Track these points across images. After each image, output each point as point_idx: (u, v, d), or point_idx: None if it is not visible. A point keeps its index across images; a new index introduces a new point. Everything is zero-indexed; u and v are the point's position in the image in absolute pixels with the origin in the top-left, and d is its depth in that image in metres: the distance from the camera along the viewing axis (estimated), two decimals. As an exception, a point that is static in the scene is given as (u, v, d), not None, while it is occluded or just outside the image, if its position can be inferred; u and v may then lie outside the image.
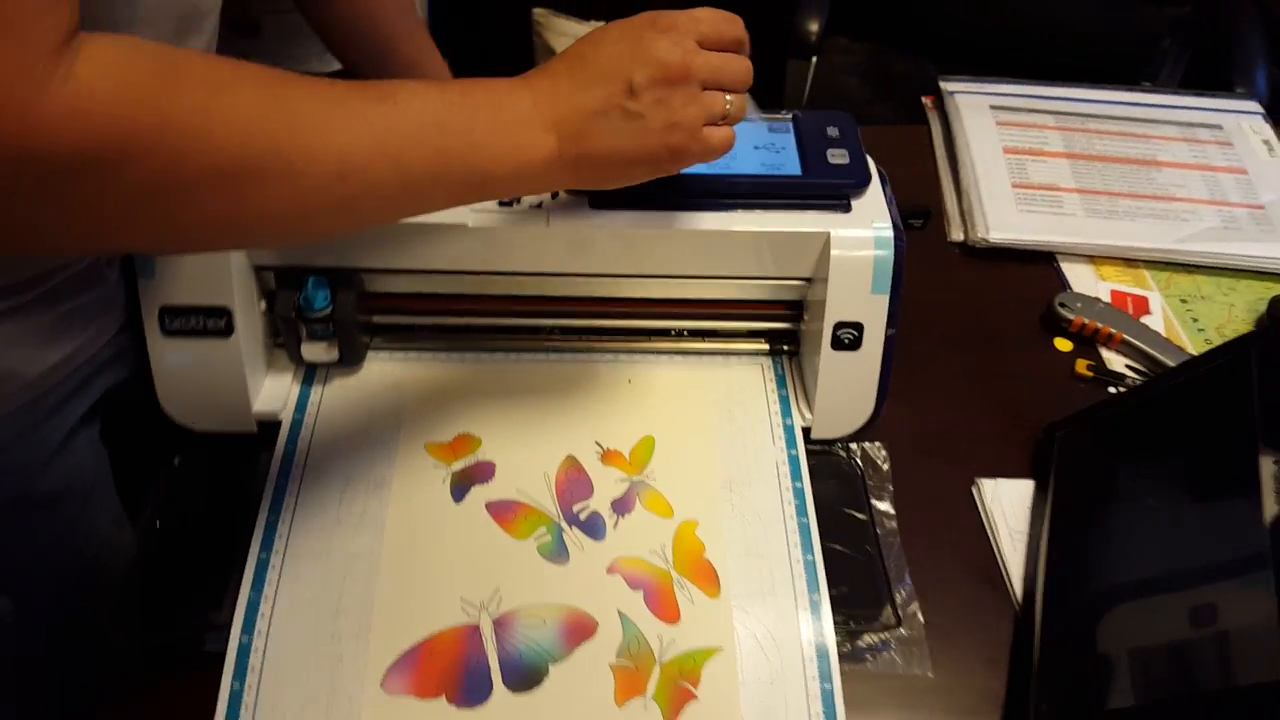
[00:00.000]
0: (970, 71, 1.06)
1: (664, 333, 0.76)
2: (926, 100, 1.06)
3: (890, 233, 0.68)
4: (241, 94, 0.43)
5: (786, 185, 0.69)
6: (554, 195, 0.68)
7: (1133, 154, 0.97)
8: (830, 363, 0.70)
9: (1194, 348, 0.84)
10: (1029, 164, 0.95)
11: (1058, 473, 0.73)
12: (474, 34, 1.96)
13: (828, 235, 0.68)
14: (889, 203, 0.70)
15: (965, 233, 0.91)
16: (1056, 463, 0.73)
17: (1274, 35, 1.36)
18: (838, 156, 0.70)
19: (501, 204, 0.67)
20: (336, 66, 0.95)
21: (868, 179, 0.70)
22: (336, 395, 0.72)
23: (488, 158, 0.51)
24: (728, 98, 0.56)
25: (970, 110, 1.00)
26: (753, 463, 0.70)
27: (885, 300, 0.69)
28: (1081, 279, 0.89)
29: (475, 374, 0.74)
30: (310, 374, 0.73)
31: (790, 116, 0.74)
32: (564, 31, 1.82)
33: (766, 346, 0.77)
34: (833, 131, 0.72)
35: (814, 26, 1.38)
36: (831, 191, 0.69)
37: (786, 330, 0.76)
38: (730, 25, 0.56)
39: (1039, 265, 0.90)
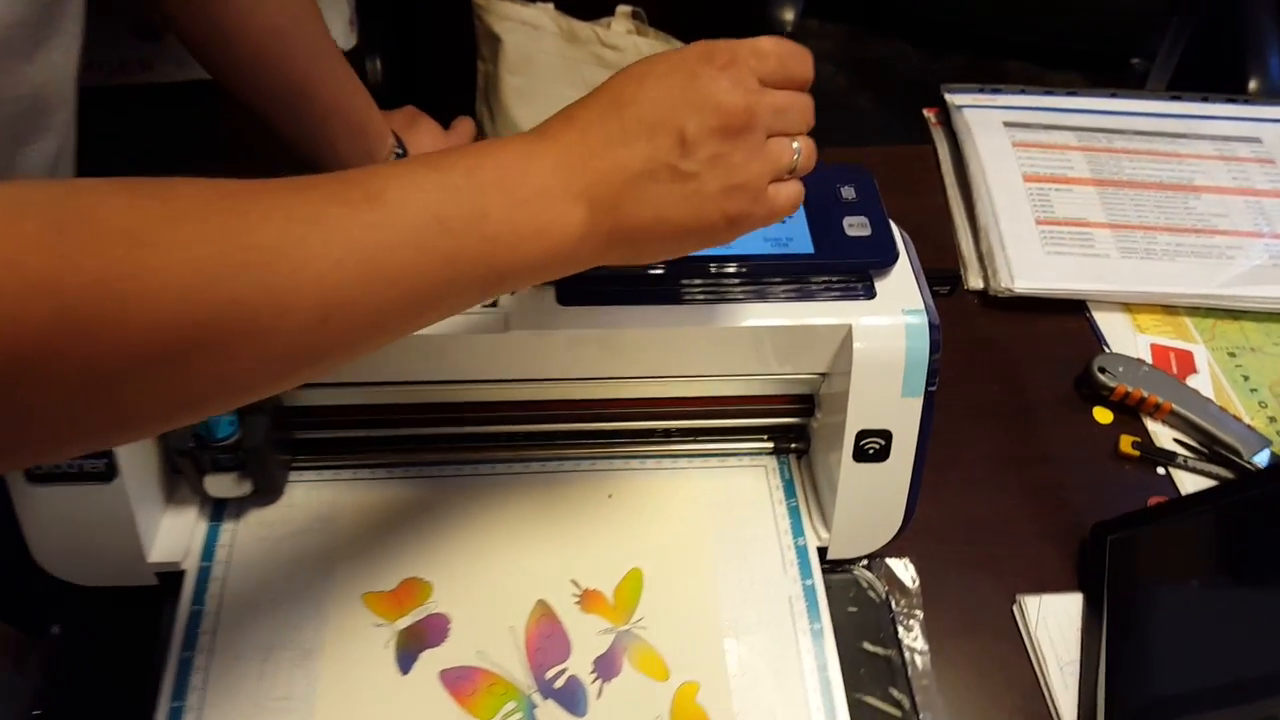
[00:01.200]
0: (949, 52, 0.93)
1: (648, 434, 0.63)
2: (929, 114, 0.93)
3: (924, 320, 0.56)
4: (178, 239, 0.31)
5: (797, 268, 0.56)
6: (513, 290, 0.55)
7: (1167, 178, 0.85)
8: (852, 477, 0.58)
9: (1247, 413, 0.73)
10: (1053, 194, 0.83)
11: (1112, 589, 0.62)
12: (409, 22, 1.80)
13: (849, 329, 0.55)
14: (919, 280, 0.58)
15: (985, 280, 0.79)
16: (1110, 576, 0.63)
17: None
18: (856, 226, 0.58)
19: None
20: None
21: (895, 254, 0.57)
22: (253, 533, 0.59)
23: (505, 248, 0.40)
24: (795, 144, 0.44)
25: (982, 128, 0.88)
26: (761, 599, 0.58)
27: (918, 403, 0.57)
28: (1117, 330, 0.78)
29: (422, 496, 0.61)
30: (220, 508, 0.60)
31: (795, 174, 0.61)
32: (507, 15, 1.66)
33: (770, 445, 0.64)
34: (848, 193, 0.60)
35: (789, 15, 1.25)
36: (852, 272, 0.57)
37: (794, 425, 0.64)
38: (799, 62, 0.45)
39: (1070, 315, 0.79)
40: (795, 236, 0.57)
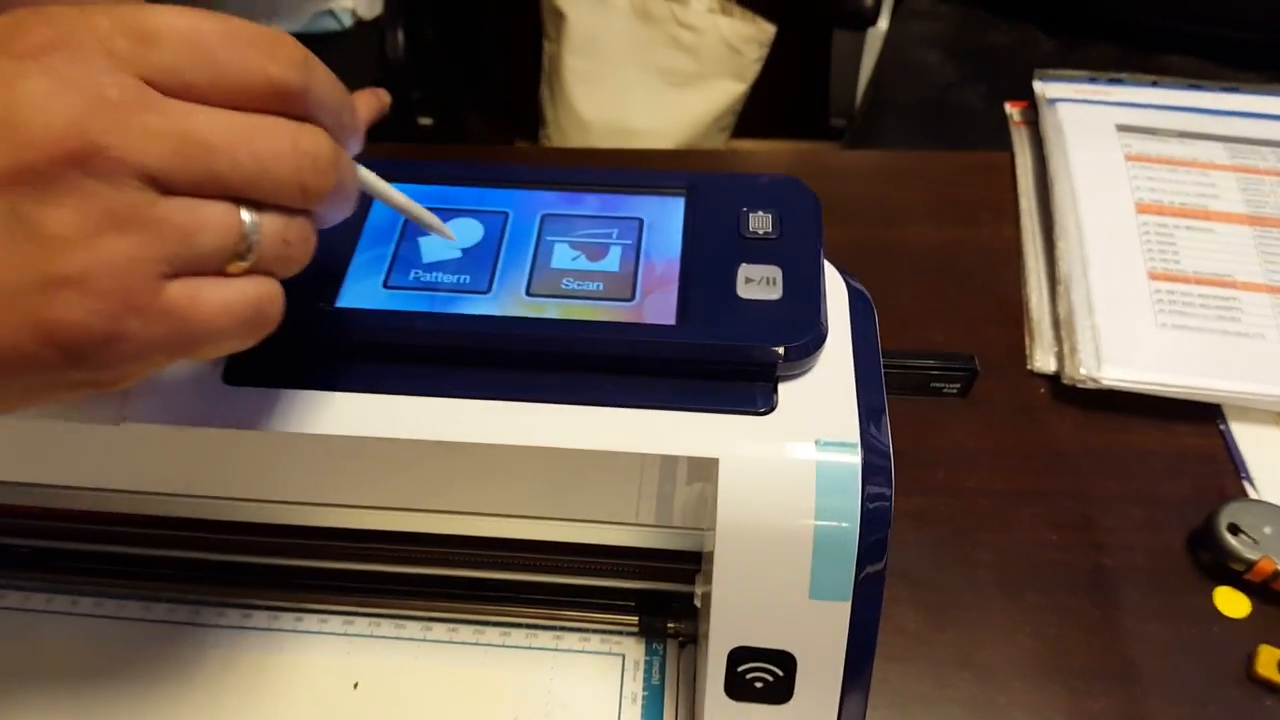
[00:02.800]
0: (1093, 40, 0.66)
1: (424, 583, 0.40)
2: (1013, 108, 0.66)
3: (854, 459, 0.30)
4: None
5: (643, 348, 0.32)
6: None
7: (1371, 218, 0.56)
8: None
9: None
10: (1181, 234, 0.55)
11: None
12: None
13: (714, 465, 0.30)
14: (866, 378, 0.32)
15: (1060, 361, 0.52)
16: None
17: None
18: (759, 283, 0.33)
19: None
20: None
21: (819, 335, 0.32)
22: None
23: None
24: (245, 215, 0.24)
25: (1081, 132, 0.60)
26: None
27: (844, 610, 0.31)
28: (1269, 456, 0.49)
29: (60, 659, 0.39)
30: None
31: (682, 188, 0.36)
32: (575, -12, 1.44)
33: (635, 622, 0.40)
34: (759, 223, 0.34)
35: (877, -14, 0.98)
36: (736, 364, 0.32)
37: (672, 594, 0.39)
38: (255, 54, 0.24)
39: (1192, 428, 0.51)
40: (651, 297, 0.33)
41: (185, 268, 0.23)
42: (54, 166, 0.21)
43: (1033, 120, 0.63)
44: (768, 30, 1.42)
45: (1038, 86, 0.63)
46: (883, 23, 1.14)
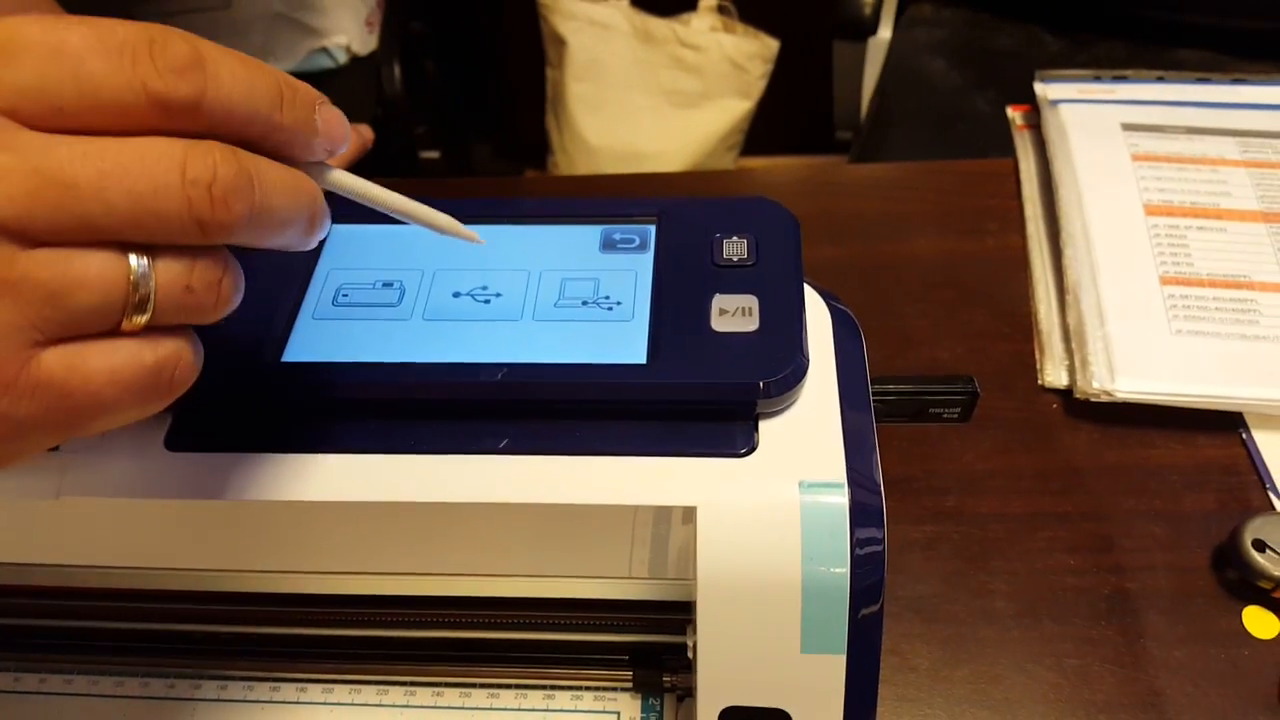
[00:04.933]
0: (1101, 39, 0.64)
1: (405, 646, 0.38)
2: (1014, 113, 0.64)
3: (842, 501, 0.28)
4: None
5: (612, 390, 0.30)
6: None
7: (1393, 209, 0.53)
8: (719, 783, 0.31)
9: None
10: (1193, 234, 0.53)
11: None
12: (476, 20, 1.60)
13: (692, 514, 0.29)
14: (856, 415, 0.31)
15: (1071, 375, 0.50)
16: None
17: None
18: (734, 315, 0.31)
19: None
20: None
21: (799, 367, 0.30)
22: None
23: None
24: (134, 261, 0.21)
25: (1085, 132, 0.58)
26: None
27: (839, 664, 0.29)
28: (1298, 462, 0.47)
29: None
30: None
31: (653, 215, 0.34)
32: (573, 15, 1.44)
33: (629, 676, 0.38)
34: (734, 250, 0.33)
35: (868, -3, 0.96)
36: (713, 403, 0.30)
37: (666, 645, 0.37)
38: (131, 61, 0.20)
39: (1212, 439, 0.48)
40: (620, 333, 0.31)
41: (63, 331, 0.20)
42: None
43: (1035, 124, 0.61)
44: (771, 46, 1.41)
45: (1039, 88, 0.61)
46: (884, 32, 1.13)
